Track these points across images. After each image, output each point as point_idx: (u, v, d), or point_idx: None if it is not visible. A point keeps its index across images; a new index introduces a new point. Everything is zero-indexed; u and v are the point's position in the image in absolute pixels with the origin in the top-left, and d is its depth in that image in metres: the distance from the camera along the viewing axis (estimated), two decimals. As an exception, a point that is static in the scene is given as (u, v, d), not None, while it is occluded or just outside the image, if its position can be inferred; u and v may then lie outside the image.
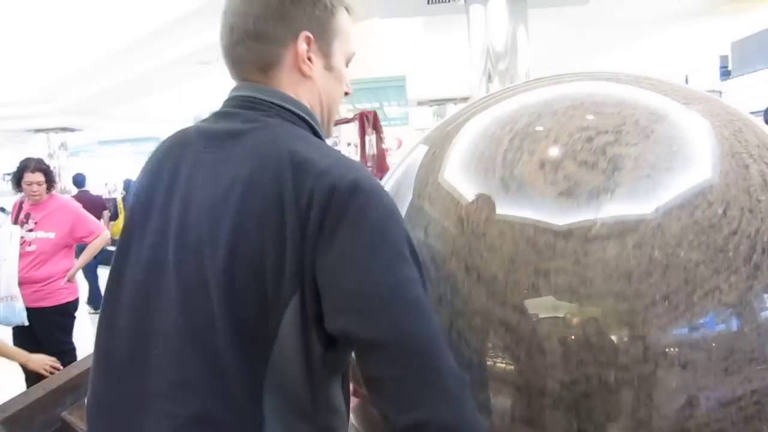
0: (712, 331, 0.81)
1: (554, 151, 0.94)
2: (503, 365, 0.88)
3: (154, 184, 0.85)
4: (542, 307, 0.85)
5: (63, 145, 17.69)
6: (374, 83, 14.71)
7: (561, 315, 0.84)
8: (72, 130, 17.64)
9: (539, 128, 0.98)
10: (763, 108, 5.50)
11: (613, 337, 0.81)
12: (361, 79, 14.45)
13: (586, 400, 0.82)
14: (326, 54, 0.88)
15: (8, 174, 18.44)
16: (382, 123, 6.76)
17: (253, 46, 0.84)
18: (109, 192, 15.89)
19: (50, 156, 17.46)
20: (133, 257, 0.82)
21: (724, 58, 11.05)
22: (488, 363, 0.88)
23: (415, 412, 0.65)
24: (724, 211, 0.85)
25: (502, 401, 0.88)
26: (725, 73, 10.78)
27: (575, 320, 0.83)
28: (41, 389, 2.32)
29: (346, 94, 0.95)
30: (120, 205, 7.73)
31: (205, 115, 0.90)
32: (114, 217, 7.67)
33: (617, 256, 0.82)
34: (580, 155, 0.91)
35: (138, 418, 0.75)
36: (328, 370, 0.77)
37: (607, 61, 12.84)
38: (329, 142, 0.93)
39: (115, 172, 22.11)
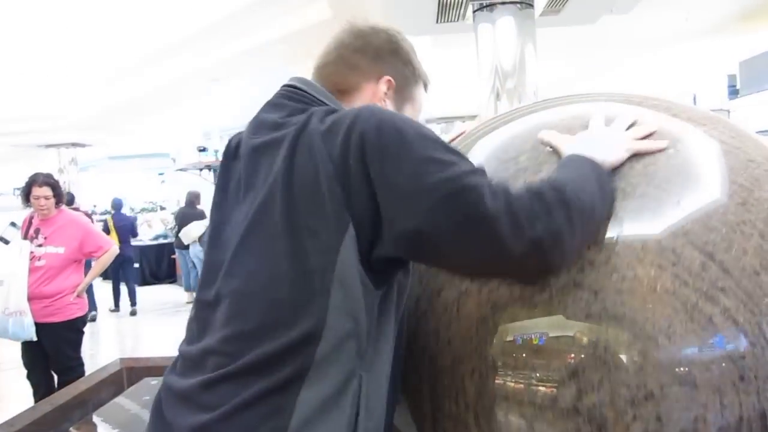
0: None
1: None
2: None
3: (227, 174, 0.97)
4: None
5: (73, 161, 17.83)
6: (382, 101, 14.79)
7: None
8: (82, 145, 17.78)
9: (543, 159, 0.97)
10: (773, 127, 5.50)
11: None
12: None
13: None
14: (397, 108, 1.00)
15: (19, 188, 18.62)
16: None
17: (342, 70, 0.99)
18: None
19: (61, 171, 17.58)
20: (212, 235, 0.94)
21: (732, 77, 11.05)
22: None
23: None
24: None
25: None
26: (733, 92, 10.77)
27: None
28: (49, 404, 2.32)
29: None
30: (110, 224, 8.01)
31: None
32: (105, 233, 7.87)
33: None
34: None
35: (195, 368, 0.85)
36: (380, 306, 0.85)
37: (615, 80, 12.87)
38: None
39: (125, 187, 22.26)
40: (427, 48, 9.75)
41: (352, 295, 0.80)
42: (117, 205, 8.81)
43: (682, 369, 0.79)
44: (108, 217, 8.48)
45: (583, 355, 0.82)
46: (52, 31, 10.19)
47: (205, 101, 13.97)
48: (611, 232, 0.87)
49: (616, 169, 0.91)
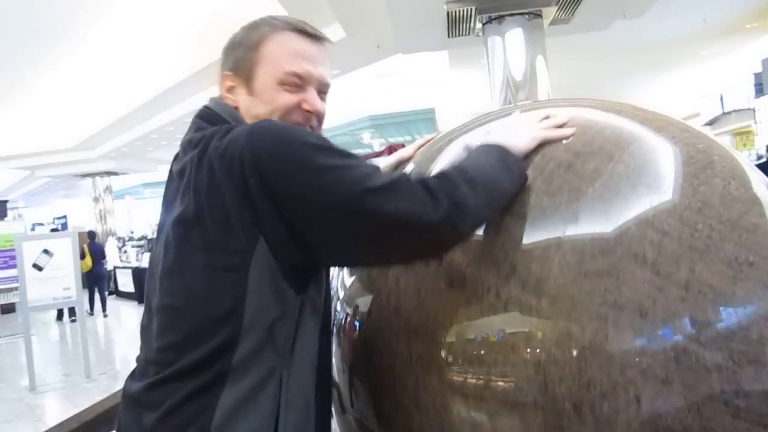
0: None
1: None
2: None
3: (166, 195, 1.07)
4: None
5: (108, 189, 18.25)
6: (404, 116, 14.93)
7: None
8: (116, 173, 18.23)
9: None
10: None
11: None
12: (391, 113, 14.69)
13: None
14: (247, 81, 1.04)
15: (59, 218, 19.10)
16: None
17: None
18: (153, 232, 16.24)
19: (96, 200, 18.07)
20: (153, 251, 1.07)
21: (758, 75, 10.84)
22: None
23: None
24: None
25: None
26: (760, 90, 10.56)
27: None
28: (76, 421, 2.44)
29: (308, 111, 1.04)
30: (86, 250, 10.71)
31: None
32: (82, 257, 10.04)
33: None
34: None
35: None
36: (302, 309, 0.94)
37: (635, 85, 12.73)
38: None
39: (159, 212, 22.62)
40: (446, 62, 9.85)
41: (267, 306, 0.90)
42: (91, 235, 11.80)
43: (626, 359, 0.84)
44: (84, 245, 10.61)
45: (538, 350, 0.87)
46: (84, 69, 10.60)
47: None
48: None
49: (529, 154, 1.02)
